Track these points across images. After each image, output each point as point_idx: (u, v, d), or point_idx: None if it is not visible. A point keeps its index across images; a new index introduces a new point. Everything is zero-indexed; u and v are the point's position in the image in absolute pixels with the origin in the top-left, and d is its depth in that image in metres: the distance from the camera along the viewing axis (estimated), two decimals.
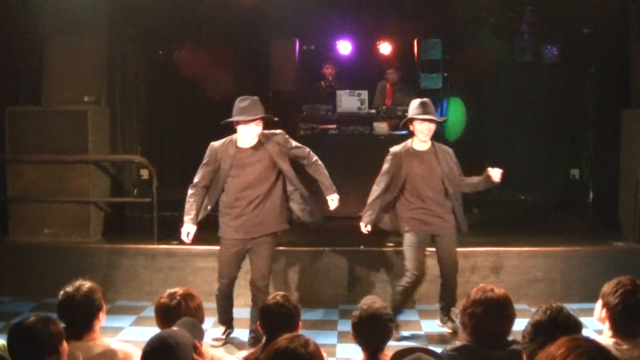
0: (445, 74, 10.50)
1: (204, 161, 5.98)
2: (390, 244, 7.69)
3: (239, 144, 5.88)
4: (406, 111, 9.49)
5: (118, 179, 9.07)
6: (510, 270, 7.41)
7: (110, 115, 8.86)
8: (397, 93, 10.31)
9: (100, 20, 8.31)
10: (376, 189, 6.39)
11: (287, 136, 6.04)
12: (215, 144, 5.96)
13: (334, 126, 9.47)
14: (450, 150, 6.45)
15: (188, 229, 5.97)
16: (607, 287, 3.50)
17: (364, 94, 9.57)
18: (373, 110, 9.72)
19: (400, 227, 6.43)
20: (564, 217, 10.19)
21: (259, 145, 5.88)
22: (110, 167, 8.64)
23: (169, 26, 10.69)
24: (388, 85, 10.41)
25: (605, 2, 8.76)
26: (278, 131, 6.02)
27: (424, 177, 6.26)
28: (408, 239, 6.34)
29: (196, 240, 7.66)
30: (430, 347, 5.92)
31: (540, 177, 11.47)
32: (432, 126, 6.20)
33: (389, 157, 6.36)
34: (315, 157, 6.13)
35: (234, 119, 5.78)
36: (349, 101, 9.48)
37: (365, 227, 6.42)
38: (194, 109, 11.52)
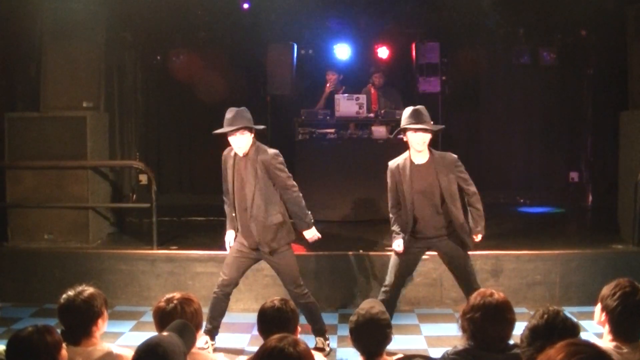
0: (443, 77, 10.50)
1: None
2: (389, 248, 7.69)
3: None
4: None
5: (117, 184, 9.07)
6: (510, 274, 7.40)
7: (109, 120, 8.87)
8: (382, 98, 10.28)
9: (98, 26, 8.30)
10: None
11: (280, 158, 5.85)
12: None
13: (332, 130, 9.46)
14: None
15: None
16: (605, 290, 3.49)
17: (363, 98, 9.55)
18: (371, 115, 9.71)
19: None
20: (563, 219, 10.18)
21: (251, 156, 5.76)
22: (109, 173, 8.64)
23: (166, 31, 10.71)
24: (373, 90, 10.36)
25: (602, 5, 8.77)
26: (273, 151, 5.84)
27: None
28: None
29: (195, 245, 7.65)
30: (430, 351, 5.97)
31: (539, 180, 11.48)
32: (428, 136, 5.79)
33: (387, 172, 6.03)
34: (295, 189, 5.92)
35: (220, 130, 5.71)
36: (347, 105, 9.47)
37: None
38: (191, 114, 11.51)
